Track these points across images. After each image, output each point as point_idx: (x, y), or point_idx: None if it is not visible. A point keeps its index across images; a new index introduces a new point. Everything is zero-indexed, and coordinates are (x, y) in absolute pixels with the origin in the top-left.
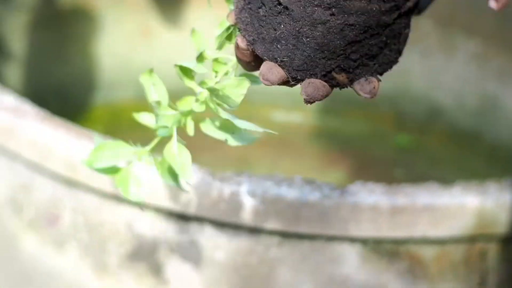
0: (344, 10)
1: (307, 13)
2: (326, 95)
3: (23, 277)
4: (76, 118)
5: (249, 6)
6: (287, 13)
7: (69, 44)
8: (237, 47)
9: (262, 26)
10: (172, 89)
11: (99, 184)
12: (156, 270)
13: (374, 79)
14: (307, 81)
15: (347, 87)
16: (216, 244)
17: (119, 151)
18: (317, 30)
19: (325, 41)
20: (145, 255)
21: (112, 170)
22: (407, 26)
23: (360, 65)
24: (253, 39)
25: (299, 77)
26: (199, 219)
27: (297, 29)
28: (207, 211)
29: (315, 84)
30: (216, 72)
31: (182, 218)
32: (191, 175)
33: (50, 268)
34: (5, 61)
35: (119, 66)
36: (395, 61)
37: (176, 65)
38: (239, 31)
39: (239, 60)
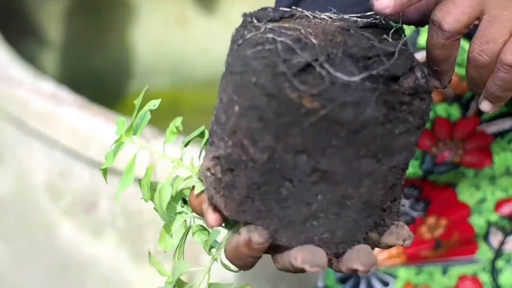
0: (390, 151)
1: (353, 169)
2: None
3: (60, 264)
4: (111, 105)
5: (260, 191)
6: (327, 178)
7: (105, 32)
8: (247, 244)
9: (288, 208)
10: (205, 78)
11: (137, 172)
12: (195, 259)
13: (401, 222)
14: (355, 249)
15: (377, 245)
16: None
17: None
18: (363, 186)
19: (370, 194)
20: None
21: None
22: None
23: (388, 214)
24: (274, 228)
25: (341, 251)
26: None
27: (340, 193)
28: None
29: (366, 250)
30: None
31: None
32: None
33: (87, 255)
34: (42, 48)
35: (155, 54)
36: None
37: None
38: (244, 225)
39: (243, 259)
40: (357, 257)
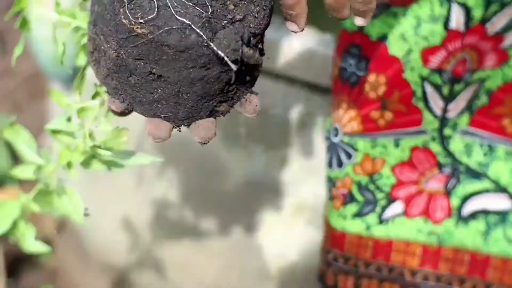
0: (219, 61)
1: (184, 76)
2: (215, 129)
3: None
4: None
5: (116, 75)
6: (162, 79)
7: None
8: (110, 109)
9: (137, 91)
10: None
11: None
12: (285, 143)
13: (253, 96)
14: (195, 125)
15: (229, 112)
16: None
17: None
18: (196, 86)
19: (205, 90)
20: (275, 127)
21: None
22: None
23: (235, 92)
24: (128, 103)
25: (186, 125)
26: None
27: (175, 90)
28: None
29: (205, 125)
30: (81, 118)
31: (313, 88)
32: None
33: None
34: None
35: None
36: (259, 67)
37: (47, 129)
38: (108, 94)
39: (114, 113)
40: (197, 132)
